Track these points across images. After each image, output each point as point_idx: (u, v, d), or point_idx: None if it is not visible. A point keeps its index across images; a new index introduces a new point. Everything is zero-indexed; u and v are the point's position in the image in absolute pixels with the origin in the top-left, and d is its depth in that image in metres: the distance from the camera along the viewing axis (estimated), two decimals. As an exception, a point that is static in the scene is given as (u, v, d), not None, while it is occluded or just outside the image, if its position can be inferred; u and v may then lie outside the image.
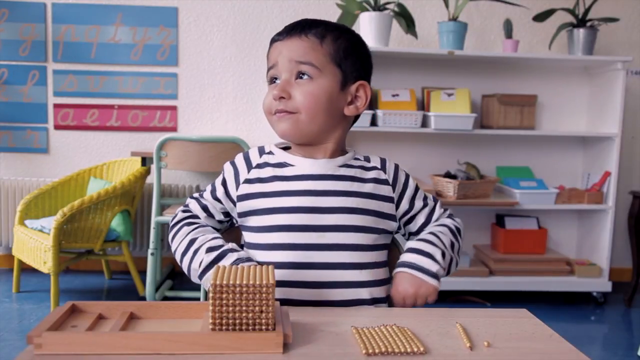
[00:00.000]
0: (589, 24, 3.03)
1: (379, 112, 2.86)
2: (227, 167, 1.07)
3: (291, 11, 3.25)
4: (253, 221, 1.01)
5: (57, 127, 3.25)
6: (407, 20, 2.90)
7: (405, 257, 1.00)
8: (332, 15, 3.14)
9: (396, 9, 2.89)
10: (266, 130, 3.31)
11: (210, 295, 0.72)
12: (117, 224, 2.83)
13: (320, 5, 3.25)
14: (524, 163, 3.27)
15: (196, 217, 1.06)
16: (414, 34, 2.93)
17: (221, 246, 0.97)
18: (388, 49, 2.84)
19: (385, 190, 1.04)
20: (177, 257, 1.02)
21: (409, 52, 2.87)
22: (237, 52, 3.27)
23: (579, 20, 3.03)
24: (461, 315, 0.89)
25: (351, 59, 1.02)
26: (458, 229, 1.08)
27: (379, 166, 1.06)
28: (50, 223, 2.61)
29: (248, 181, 1.02)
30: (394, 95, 2.97)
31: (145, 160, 2.90)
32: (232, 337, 0.71)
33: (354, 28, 2.87)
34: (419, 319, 0.87)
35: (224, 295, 0.72)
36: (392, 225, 1.04)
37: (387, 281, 1.03)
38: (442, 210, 1.11)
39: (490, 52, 3.15)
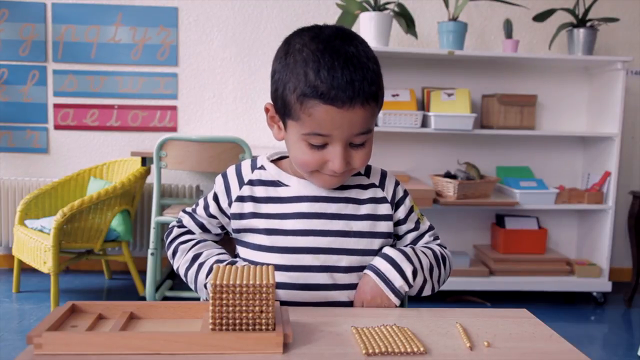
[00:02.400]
0: (589, 24, 3.03)
1: (379, 112, 2.85)
2: (219, 181, 1.04)
3: (291, 11, 3.25)
4: (247, 238, 1.00)
5: (57, 127, 3.25)
6: (407, 20, 2.90)
7: (377, 261, 0.97)
8: (332, 15, 3.14)
9: (396, 9, 2.89)
10: (266, 130, 3.31)
11: (210, 295, 0.72)
12: (117, 224, 2.83)
13: (320, 5, 3.25)
14: (524, 163, 3.27)
15: (191, 232, 1.06)
16: (414, 34, 2.93)
17: (226, 260, 0.99)
18: (388, 49, 2.84)
19: (384, 209, 1.02)
20: (181, 271, 1.02)
21: (409, 52, 2.87)
22: (237, 52, 3.27)
23: (579, 20, 3.03)
24: (461, 315, 0.89)
25: (383, 89, 0.96)
26: (444, 257, 1.04)
27: (377, 183, 1.04)
28: (50, 223, 2.61)
29: (240, 199, 1.00)
30: (394, 95, 2.97)
31: (145, 160, 2.90)
32: (232, 337, 0.71)
33: (353, 28, 2.90)
34: (419, 319, 0.87)
35: (224, 295, 0.72)
36: (389, 241, 1.03)
37: None
38: (433, 238, 1.07)
39: (490, 52, 3.15)
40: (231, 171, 1.05)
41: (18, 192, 3.17)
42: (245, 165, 1.05)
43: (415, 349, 0.73)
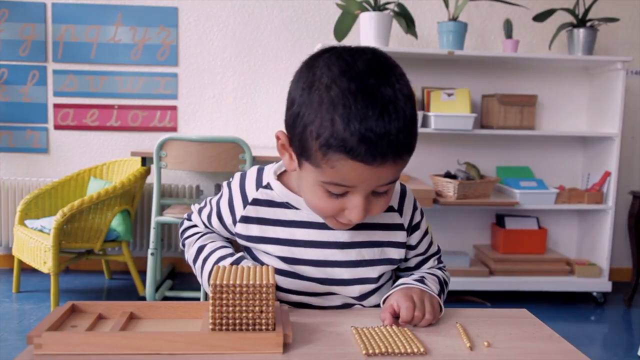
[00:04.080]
0: (589, 24, 3.03)
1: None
2: (224, 195, 0.97)
3: (291, 11, 3.25)
4: (258, 254, 0.96)
5: (57, 127, 3.25)
6: (407, 20, 2.90)
7: (401, 282, 0.93)
8: (332, 15, 3.14)
9: (396, 9, 2.89)
10: (266, 131, 3.31)
11: (210, 295, 0.72)
12: (117, 224, 2.83)
13: (320, 5, 3.25)
14: (524, 163, 3.27)
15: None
16: (414, 34, 2.93)
17: (232, 254, 0.97)
18: (388, 49, 2.84)
19: (399, 236, 0.96)
20: (190, 263, 1.02)
21: (409, 52, 2.87)
22: (237, 52, 3.27)
23: (579, 20, 3.03)
24: (461, 315, 0.89)
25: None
26: (446, 282, 1.00)
27: (395, 206, 0.96)
28: (50, 223, 2.61)
29: (245, 219, 0.94)
30: (394, 95, 2.97)
31: (145, 160, 2.90)
32: (232, 337, 0.71)
33: (353, 28, 2.90)
34: (419, 319, 0.86)
35: (224, 295, 0.72)
36: (392, 267, 0.99)
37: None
38: (436, 262, 1.04)
39: (490, 52, 3.15)
40: (235, 186, 0.97)
41: (18, 192, 3.17)
42: (250, 180, 0.96)
43: (416, 350, 0.73)
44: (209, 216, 1.00)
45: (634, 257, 3.09)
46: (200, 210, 1.04)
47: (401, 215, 0.96)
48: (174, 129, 3.29)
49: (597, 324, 2.85)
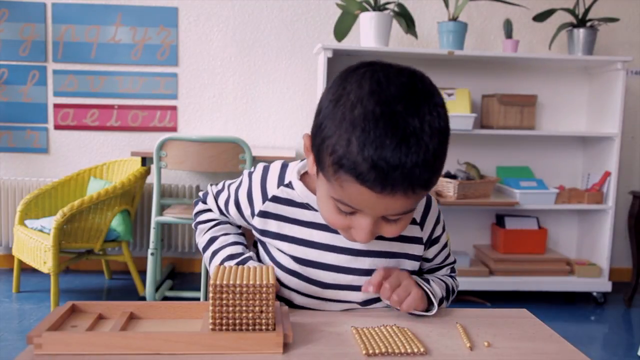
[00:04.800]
0: (589, 24, 3.03)
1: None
2: (244, 185, 0.96)
3: (291, 11, 3.25)
4: (271, 250, 0.96)
5: (57, 127, 3.25)
6: (407, 20, 2.90)
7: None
8: (332, 15, 3.14)
9: (396, 9, 2.89)
10: (266, 131, 3.31)
11: (210, 295, 0.72)
12: (117, 224, 2.83)
13: (320, 5, 3.25)
14: (524, 163, 3.27)
15: (212, 211, 1.06)
16: (414, 34, 2.93)
17: (241, 254, 0.97)
18: (388, 49, 2.84)
19: (416, 249, 0.94)
20: (200, 249, 1.04)
21: (409, 52, 2.87)
22: (237, 52, 3.27)
23: (579, 20, 3.03)
24: (461, 315, 0.89)
25: (444, 161, 0.79)
26: (453, 290, 1.01)
27: (418, 219, 0.94)
28: (50, 223, 2.61)
29: (263, 214, 0.93)
30: (394, 95, 2.97)
31: (145, 160, 2.90)
32: (232, 337, 0.71)
33: (353, 28, 2.90)
34: (419, 320, 0.87)
35: (224, 295, 0.72)
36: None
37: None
38: (449, 271, 1.04)
39: (490, 52, 3.15)
40: (256, 179, 0.95)
41: (18, 192, 3.17)
42: (272, 176, 0.94)
43: (416, 350, 0.73)
44: (227, 203, 1.00)
45: (634, 257, 3.09)
46: (217, 194, 1.03)
47: (422, 229, 0.95)
48: (174, 129, 3.29)
49: (597, 324, 2.85)
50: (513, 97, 3.06)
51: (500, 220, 3.17)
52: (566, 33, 3.10)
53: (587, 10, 3.01)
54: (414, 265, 0.95)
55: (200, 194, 1.08)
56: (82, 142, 3.28)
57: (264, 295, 0.72)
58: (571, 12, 3.04)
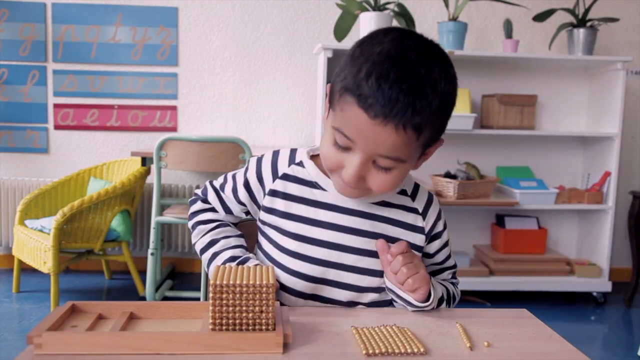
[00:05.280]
0: (589, 24, 3.03)
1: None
2: (252, 167, 0.98)
3: (291, 11, 3.25)
4: (273, 235, 0.97)
5: (57, 127, 3.25)
6: (407, 20, 2.90)
7: None
8: (332, 15, 3.14)
9: (396, 9, 2.89)
10: (266, 131, 3.31)
11: (210, 295, 0.72)
12: (117, 224, 2.83)
13: (320, 5, 3.25)
14: (524, 163, 3.27)
15: (214, 210, 1.04)
16: (414, 34, 2.93)
17: (242, 257, 0.97)
18: (388, 49, 2.83)
19: (418, 239, 0.97)
20: (197, 250, 1.02)
21: (409, 52, 2.86)
22: (237, 52, 3.27)
23: (579, 20, 3.03)
24: (461, 315, 0.89)
25: (443, 127, 0.86)
26: (454, 297, 1.01)
27: (420, 210, 0.97)
28: (50, 223, 2.61)
29: (273, 193, 0.95)
30: (394, 95, 2.97)
31: (145, 160, 2.90)
32: (232, 337, 0.71)
33: (353, 28, 2.89)
34: (419, 320, 0.87)
35: (224, 295, 0.72)
36: None
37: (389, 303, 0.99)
38: (451, 276, 1.05)
39: (490, 52, 3.15)
40: (267, 159, 0.98)
41: (18, 192, 3.17)
42: (283, 156, 0.98)
43: (416, 350, 0.73)
44: (235, 190, 1.00)
45: (634, 257, 3.09)
46: (222, 187, 1.03)
47: (424, 219, 0.97)
48: (174, 129, 3.29)
49: (597, 324, 2.85)
50: (513, 97, 3.06)
51: (500, 220, 3.17)
52: (566, 33, 3.10)
53: (587, 10, 3.01)
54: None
55: (198, 191, 1.07)
56: (82, 142, 3.28)
57: (264, 295, 0.72)
58: (571, 12, 3.04)
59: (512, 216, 3.15)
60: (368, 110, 0.78)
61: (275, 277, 0.86)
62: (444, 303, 0.96)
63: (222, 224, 1.03)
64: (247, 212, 1.03)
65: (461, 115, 2.89)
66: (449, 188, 2.87)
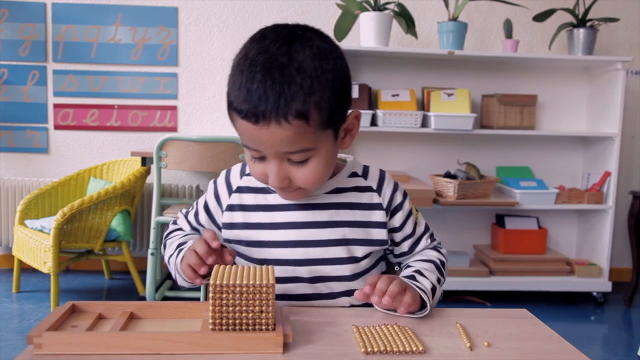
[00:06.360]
0: (589, 24, 3.03)
1: (379, 112, 2.86)
2: (210, 189, 1.01)
3: (291, 11, 3.25)
4: (238, 248, 0.98)
5: (57, 127, 3.25)
6: (407, 20, 2.90)
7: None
8: (332, 15, 3.14)
9: (396, 9, 2.89)
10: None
11: (210, 295, 0.72)
12: (117, 224, 2.83)
13: (320, 5, 3.25)
14: (524, 163, 3.27)
15: (183, 230, 1.06)
16: (414, 34, 2.93)
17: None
18: (388, 49, 2.84)
19: (378, 215, 0.97)
20: (166, 260, 1.01)
21: (409, 52, 2.87)
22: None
23: (579, 20, 3.03)
24: (461, 315, 0.89)
25: (338, 101, 0.84)
26: (443, 263, 1.02)
27: (374, 187, 0.98)
28: (50, 223, 2.61)
29: (230, 208, 0.97)
30: (394, 95, 2.97)
31: (145, 160, 2.90)
32: (232, 337, 0.71)
33: (353, 28, 2.90)
34: (419, 319, 0.87)
35: (224, 295, 0.72)
36: (383, 247, 1.00)
37: None
38: (429, 241, 1.04)
39: (490, 52, 3.15)
40: (221, 178, 1.01)
41: (18, 192, 3.17)
42: (235, 171, 1.01)
43: (415, 349, 0.73)
44: (196, 214, 1.02)
45: (634, 257, 3.09)
46: (187, 214, 1.05)
47: (380, 194, 0.98)
48: (174, 129, 3.29)
49: (597, 324, 2.85)
50: (513, 97, 3.06)
51: (500, 220, 3.17)
52: (566, 33, 3.10)
53: (587, 10, 3.02)
54: (381, 233, 0.97)
55: (172, 219, 1.09)
56: (82, 142, 3.28)
57: (264, 295, 0.72)
58: (571, 12, 3.04)
59: (512, 216, 3.15)
60: (248, 118, 0.80)
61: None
62: (439, 282, 0.97)
63: (189, 233, 1.03)
64: None
65: (461, 115, 2.89)
66: (449, 188, 2.87)
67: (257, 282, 0.72)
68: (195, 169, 2.57)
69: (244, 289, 0.72)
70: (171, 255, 0.99)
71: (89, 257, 2.94)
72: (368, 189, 0.98)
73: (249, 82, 0.79)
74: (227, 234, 0.98)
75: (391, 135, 3.09)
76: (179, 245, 0.98)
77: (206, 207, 1.01)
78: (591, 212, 3.17)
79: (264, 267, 0.78)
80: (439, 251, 1.05)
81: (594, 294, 3.08)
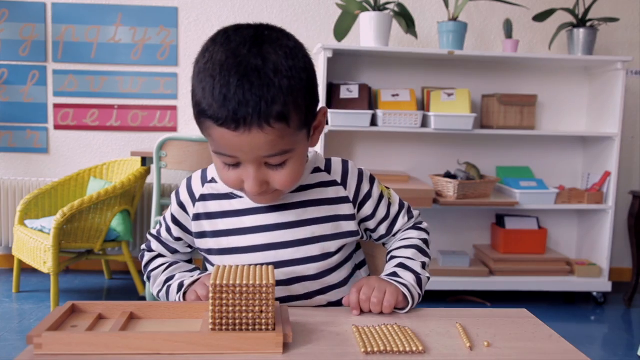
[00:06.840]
0: (589, 24, 3.03)
1: (379, 112, 2.86)
2: (173, 201, 0.99)
3: (291, 11, 3.25)
4: (211, 258, 0.98)
5: (57, 127, 3.25)
6: (407, 20, 2.90)
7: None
8: (332, 15, 3.14)
9: (396, 9, 2.89)
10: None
11: (211, 295, 0.72)
12: (117, 224, 2.83)
13: (320, 5, 3.25)
14: (524, 163, 3.27)
15: (162, 255, 1.04)
16: (414, 34, 2.93)
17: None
18: (388, 49, 2.84)
19: (346, 208, 0.97)
20: (155, 295, 1.02)
21: (409, 52, 2.87)
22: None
23: (579, 20, 3.03)
24: (461, 315, 0.89)
25: (312, 99, 0.84)
26: (425, 241, 1.01)
27: (339, 180, 0.97)
28: (50, 223, 2.61)
29: (197, 217, 0.96)
30: (394, 95, 2.97)
31: (145, 160, 2.90)
32: (232, 337, 0.71)
33: (353, 28, 2.90)
34: (419, 319, 0.87)
35: (224, 295, 0.72)
36: (354, 239, 0.99)
37: (345, 282, 1.00)
38: (407, 218, 1.03)
39: (490, 52, 3.15)
40: (183, 188, 0.99)
41: (18, 192, 3.17)
42: (196, 179, 0.99)
43: (414, 348, 0.73)
44: (168, 229, 1.00)
45: (634, 257, 3.09)
46: (158, 234, 1.03)
47: (345, 187, 0.97)
48: (174, 129, 3.29)
49: (597, 324, 2.85)
50: (513, 97, 3.06)
51: (500, 220, 3.17)
52: (566, 33, 3.10)
53: (587, 10, 3.02)
54: (350, 225, 0.97)
55: (143, 246, 1.06)
56: (82, 142, 3.28)
57: (264, 295, 0.72)
58: (571, 12, 3.04)
59: (512, 216, 3.15)
60: (227, 125, 0.77)
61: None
62: (423, 266, 0.97)
63: (173, 263, 1.03)
64: (190, 246, 1.03)
65: (461, 115, 2.89)
66: (449, 188, 2.87)
67: (257, 282, 0.72)
68: (195, 169, 2.56)
69: (244, 289, 0.72)
70: (160, 291, 0.99)
71: (89, 257, 2.94)
72: (333, 183, 0.97)
73: (224, 88, 0.76)
74: (199, 243, 0.98)
75: (391, 135, 3.09)
76: (167, 280, 0.98)
77: (175, 220, 0.99)
78: (591, 212, 3.17)
79: (264, 267, 0.78)
80: (419, 229, 1.04)
81: (594, 294, 3.08)
